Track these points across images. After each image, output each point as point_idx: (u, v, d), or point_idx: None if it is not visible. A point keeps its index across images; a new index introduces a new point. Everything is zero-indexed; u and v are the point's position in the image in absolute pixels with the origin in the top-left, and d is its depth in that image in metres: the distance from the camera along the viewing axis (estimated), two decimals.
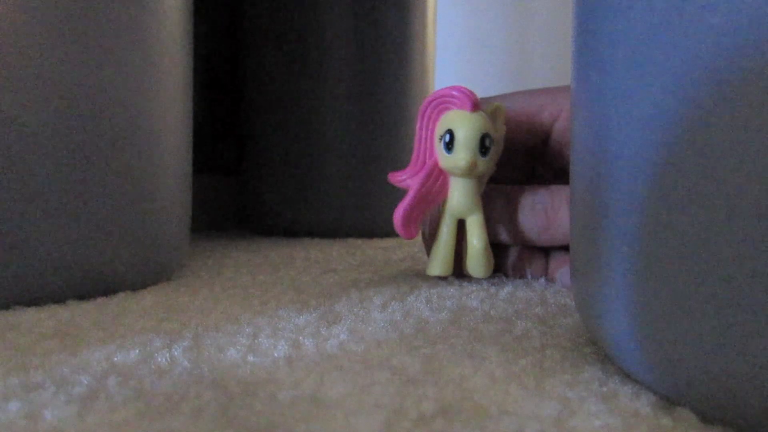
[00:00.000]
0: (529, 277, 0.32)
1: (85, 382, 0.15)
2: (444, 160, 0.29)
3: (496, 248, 0.32)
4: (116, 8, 0.27)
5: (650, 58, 0.13)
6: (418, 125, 0.30)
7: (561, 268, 0.31)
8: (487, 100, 0.32)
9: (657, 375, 0.14)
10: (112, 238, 0.27)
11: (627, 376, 0.16)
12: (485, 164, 0.29)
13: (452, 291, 0.28)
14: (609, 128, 0.15)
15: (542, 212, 0.29)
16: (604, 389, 0.15)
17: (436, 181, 0.30)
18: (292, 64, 0.56)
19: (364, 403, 0.14)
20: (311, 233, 0.57)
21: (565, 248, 0.31)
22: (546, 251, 0.32)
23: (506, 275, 0.32)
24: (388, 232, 0.53)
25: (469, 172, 0.28)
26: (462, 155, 0.28)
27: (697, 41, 0.12)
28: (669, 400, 0.14)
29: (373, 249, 0.47)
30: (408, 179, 0.30)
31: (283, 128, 0.57)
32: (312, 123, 0.56)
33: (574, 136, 0.18)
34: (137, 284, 0.29)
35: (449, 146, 0.28)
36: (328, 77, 0.56)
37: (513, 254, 0.32)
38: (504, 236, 0.31)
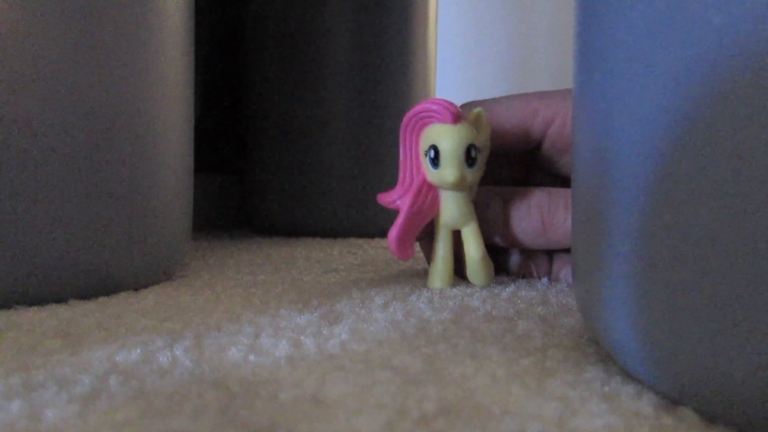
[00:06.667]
0: (536, 276, 0.31)
1: (87, 381, 0.15)
2: (431, 175, 0.28)
3: (499, 250, 0.32)
4: (118, 8, 0.27)
5: (652, 57, 0.13)
6: (401, 143, 0.29)
7: (564, 269, 0.31)
8: (472, 104, 0.31)
9: (658, 375, 0.14)
10: (113, 238, 0.27)
11: (629, 376, 0.16)
12: (474, 175, 0.28)
13: (454, 291, 0.28)
14: (611, 128, 0.15)
15: (538, 215, 0.29)
16: (606, 389, 0.15)
17: (426, 197, 0.29)
18: (293, 64, 0.56)
19: (366, 402, 0.14)
20: (312, 233, 0.57)
21: (567, 249, 0.31)
22: (548, 252, 0.32)
23: (511, 275, 0.32)
24: None
25: (458, 185, 0.28)
26: (449, 170, 0.27)
27: (699, 40, 0.12)
28: (671, 400, 0.14)
29: (375, 249, 0.47)
30: (398, 200, 0.29)
31: (285, 127, 0.57)
32: (313, 122, 0.56)
33: (575, 136, 0.18)
34: (138, 284, 0.29)
35: (435, 161, 0.28)
36: (329, 77, 0.56)
37: (516, 255, 0.32)
38: (500, 239, 0.30)
